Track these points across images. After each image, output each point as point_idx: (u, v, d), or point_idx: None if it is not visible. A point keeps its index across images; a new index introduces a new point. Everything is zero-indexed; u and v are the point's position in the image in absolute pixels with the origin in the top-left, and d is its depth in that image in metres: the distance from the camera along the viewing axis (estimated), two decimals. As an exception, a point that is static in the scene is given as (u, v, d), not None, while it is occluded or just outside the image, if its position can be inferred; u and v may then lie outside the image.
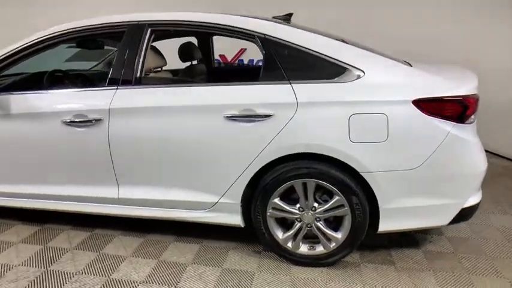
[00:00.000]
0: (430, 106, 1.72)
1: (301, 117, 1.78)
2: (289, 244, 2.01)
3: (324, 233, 1.94)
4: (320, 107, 1.78)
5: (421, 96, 1.72)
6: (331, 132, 1.77)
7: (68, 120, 2.03)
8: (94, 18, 2.12)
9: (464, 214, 1.88)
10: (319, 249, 1.99)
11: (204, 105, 1.89)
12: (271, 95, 1.84)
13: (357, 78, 1.79)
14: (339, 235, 1.93)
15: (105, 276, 1.96)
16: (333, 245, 1.95)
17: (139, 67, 2.02)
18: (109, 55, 3.37)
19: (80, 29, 2.12)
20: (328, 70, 1.83)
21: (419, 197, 1.82)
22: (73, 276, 1.95)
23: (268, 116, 1.81)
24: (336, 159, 1.79)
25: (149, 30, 2.05)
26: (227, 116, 1.85)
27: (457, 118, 1.74)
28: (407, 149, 1.75)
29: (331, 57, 1.84)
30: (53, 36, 2.13)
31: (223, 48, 5.59)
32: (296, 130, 1.80)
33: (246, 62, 5.82)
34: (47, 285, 1.89)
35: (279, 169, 1.87)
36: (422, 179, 1.78)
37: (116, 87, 2.01)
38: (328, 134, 1.77)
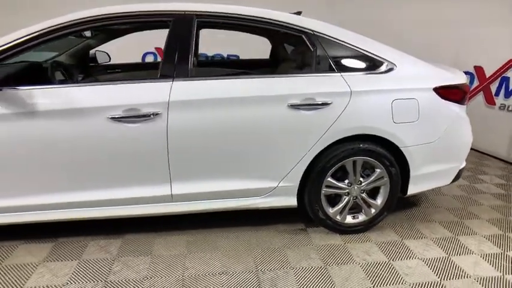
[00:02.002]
0: (444, 92, 2.21)
1: (355, 104, 2.06)
2: (338, 217, 2.28)
3: (366, 203, 2.28)
4: (369, 95, 2.09)
5: (438, 84, 2.20)
6: (379, 115, 2.10)
7: (116, 116, 1.86)
8: (133, 5, 1.97)
9: (458, 175, 2.46)
10: (362, 217, 2.32)
11: (269, 95, 2.00)
12: (328, 85, 2.06)
13: (392, 70, 2.16)
14: (378, 202, 2.29)
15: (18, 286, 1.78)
16: (373, 211, 2.30)
17: (192, 58, 1.99)
18: (74, 46, 3.01)
19: (117, 15, 1.95)
20: (368, 63, 2.16)
21: (435, 163, 2.31)
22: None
23: (327, 103, 2.03)
24: (382, 138, 2.13)
25: (197, 21, 2.02)
26: (290, 105, 2.00)
27: (460, 101, 2.28)
28: (430, 126, 2.21)
29: (370, 52, 2.17)
30: (85, 21, 1.90)
31: (161, 41, 5.46)
32: (351, 115, 2.07)
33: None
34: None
35: (335, 150, 2.12)
36: (438, 150, 2.27)
37: (171, 80, 1.93)
38: (377, 117, 2.10)
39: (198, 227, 2.34)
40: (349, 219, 2.31)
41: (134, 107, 1.87)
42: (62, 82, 2.24)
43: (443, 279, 1.92)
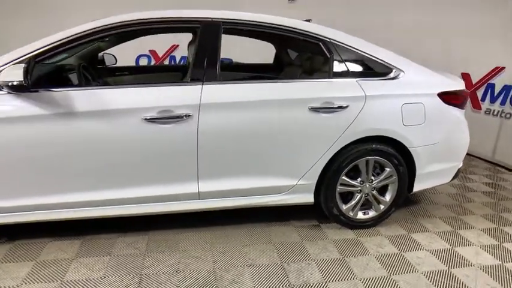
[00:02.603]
0: (447, 97, 2.41)
1: (369, 107, 2.24)
2: (351, 213, 2.44)
3: (376, 199, 2.45)
4: (381, 99, 2.27)
5: (442, 90, 2.40)
6: (391, 118, 2.28)
7: (151, 117, 1.95)
8: (161, 11, 2.08)
9: (457, 173, 2.68)
10: (371, 213, 2.49)
11: (292, 98, 2.14)
12: (345, 89, 2.23)
13: (400, 76, 2.35)
14: (387, 198, 2.47)
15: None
16: (382, 207, 2.48)
17: (219, 63, 2.10)
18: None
19: (146, 20, 2.05)
20: (379, 69, 2.34)
21: (437, 163, 2.51)
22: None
23: (345, 107, 2.20)
24: (392, 139, 2.31)
25: (223, 28, 2.14)
26: (311, 108, 2.15)
27: (460, 105, 2.49)
28: (434, 128, 2.41)
29: (380, 59, 2.35)
30: (116, 26, 1.99)
31: (155, 44, 5.53)
32: (366, 118, 2.24)
33: (178, 58, 5.84)
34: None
35: (350, 150, 2.28)
36: (440, 150, 2.47)
37: (201, 83, 2.04)
38: (389, 120, 2.28)
39: (214, 225, 2.44)
40: (360, 215, 2.48)
41: (168, 109, 1.97)
42: (96, 84, 2.30)
43: (451, 267, 2.11)
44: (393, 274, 2.03)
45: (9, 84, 1.70)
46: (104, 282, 1.84)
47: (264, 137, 2.14)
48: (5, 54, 1.89)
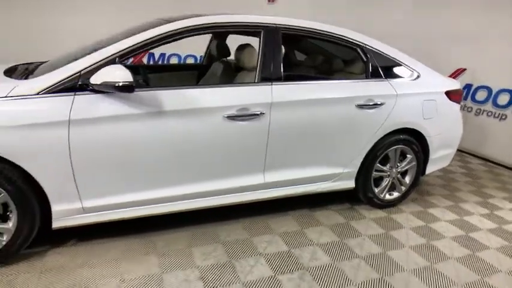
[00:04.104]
0: (451, 95, 2.93)
1: (399, 104, 2.64)
2: (381, 195, 2.84)
3: (400, 182, 2.89)
4: (408, 97, 2.69)
5: (448, 89, 2.91)
6: (415, 113, 2.72)
7: (231, 115, 2.11)
8: (232, 15, 2.25)
9: (452, 158, 3.24)
10: (396, 194, 2.92)
11: (343, 97, 2.45)
12: (381, 89, 2.60)
13: (419, 77, 2.80)
14: (407, 180, 2.91)
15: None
16: (403, 189, 2.92)
17: (282, 65, 2.33)
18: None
19: (220, 24, 2.20)
20: (403, 71, 2.77)
21: (443, 149, 3.03)
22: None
23: (382, 104, 2.57)
24: (415, 130, 2.75)
25: (281, 33, 2.37)
26: (357, 105, 2.49)
27: (458, 101, 3.03)
28: (442, 120, 2.90)
29: (404, 62, 2.78)
30: (193, 28, 2.11)
31: None
32: (397, 113, 2.64)
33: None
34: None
35: (384, 141, 2.66)
36: (445, 138, 2.99)
37: (270, 83, 2.25)
38: (414, 114, 2.72)
39: (279, 213, 2.67)
40: (387, 196, 2.89)
41: (245, 107, 2.15)
42: (183, 84, 2.37)
43: (468, 232, 2.62)
44: (431, 241, 2.46)
45: (116, 85, 1.74)
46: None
47: (320, 131, 2.42)
48: (86, 56, 1.90)
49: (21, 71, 2.20)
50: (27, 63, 2.50)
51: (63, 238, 2.14)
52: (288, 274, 2.00)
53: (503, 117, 4.25)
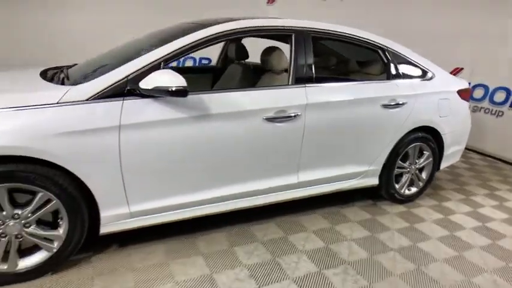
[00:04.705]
0: (461, 93, 3.09)
1: (419, 103, 2.77)
2: (401, 190, 2.97)
3: (418, 177, 3.02)
4: (427, 96, 2.83)
5: (459, 88, 3.07)
6: (433, 111, 2.86)
7: (269, 117, 2.17)
8: (266, 19, 2.32)
9: (462, 155, 3.41)
10: (414, 189, 3.05)
11: (370, 97, 2.55)
12: (402, 89, 2.72)
13: (434, 78, 2.95)
14: (424, 176, 3.05)
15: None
16: (420, 184, 3.06)
17: (313, 67, 2.41)
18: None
19: (257, 27, 2.26)
20: (421, 72, 2.90)
21: (454, 145, 3.19)
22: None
23: (404, 103, 2.70)
24: (432, 128, 2.89)
25: (311, 36, 2.45)
26: (382, 105, 2.60)
27: (467, 99, 3.20)
28: (454, 118, 3.06)
29: (420, 64, 2.91)
30: (234, 32, 2.16)
31: None
32: (417, 112, 2.77)
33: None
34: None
35: (405, 138, 2.79)
36: (457, 135, 3.15)
37: (304, 85, 2.33)
38: (432, 112, 2.86)
39: (295, 212, 2.74)
40: (406, 192, 3.02)
41: (283, 109, 2.22)
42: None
43: (484, 223, 2.79)
44: (454, 232, 2.60)
45: (169, 89, 1.77)
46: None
47: (349, 130, 2.52)
48: (130, 62, 1.91)
49: (55, 76, 2.18)
50: (54, 68, 2.47)
51: (104, 244, 2.14)
52: (332, 269, 2.08)
53: (500, 113, 4.48)
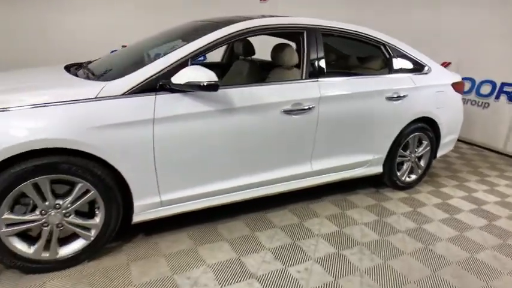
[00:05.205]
0: (456, 86, 3.31)
1: (419, 96, 2.97)
2: (403, 178, 3.17)
3: (417, 165, 3.23)
4: (425, 89, 3.02)
5: (453, 81, 3.29)
6: (431, 103, 3.06)
7: (287, 109, 2.31)
8: (280, 18, 2.45)
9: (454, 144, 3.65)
10: (413, 176, 3.26)
11: (376, 90, 2.72)
12: (404, 82, 2.91)
13: (431, 71, 3.15)
14: (422, 164, 3.26)
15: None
16: (418, 171, 3.27)
17: (324, 63, 2.55)
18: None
19: (273, 26, 2.39)
20: (418, 66, 3.10)
21: (449, 135, 3.41)
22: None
23: (405, 96, 2.88)
24: (430, 118, 3.09)
25: (321, 33, 2.60)
26: (386, 97, 2.78)
27: (461, 92, 3.43)
28: (449, 109, 3.28)
29: (418, 58, 3.11)
30: (256, 29, 2.29)
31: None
32: (417, 103, 2.96)
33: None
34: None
35: (406, 129, 2.97)
36: (451, 125, 3.37)
37: (316, 79, 2.47)
38: (430, 104, 3.06)
39: (309, 199, 2.90)
40: (407, 179, 3.22)
41: (299, 102, 2.36)
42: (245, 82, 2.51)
43: (480, 205, 3.02)
44: (453, 214, 2.82)
45: (201, 84, 1.88)
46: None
47: (358, 121, 2.68)
48: (161, 58, 2.01)
49: (80, 72, 2.25)
50: (73, 64, 2.53)
51: (131, 233, 2.23)
52: (349, 250, 2.24)
53: (486, 105, 4.76)
